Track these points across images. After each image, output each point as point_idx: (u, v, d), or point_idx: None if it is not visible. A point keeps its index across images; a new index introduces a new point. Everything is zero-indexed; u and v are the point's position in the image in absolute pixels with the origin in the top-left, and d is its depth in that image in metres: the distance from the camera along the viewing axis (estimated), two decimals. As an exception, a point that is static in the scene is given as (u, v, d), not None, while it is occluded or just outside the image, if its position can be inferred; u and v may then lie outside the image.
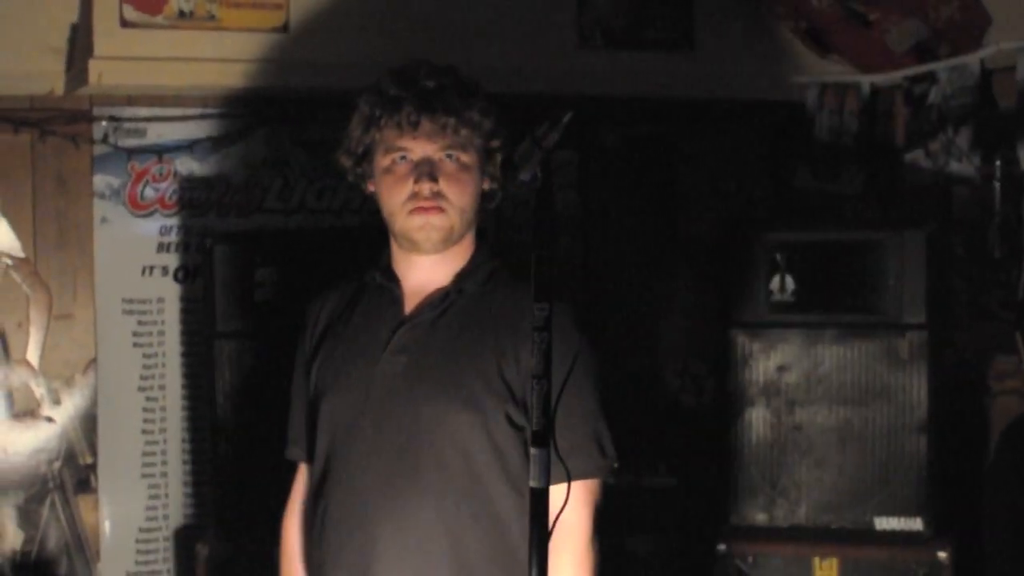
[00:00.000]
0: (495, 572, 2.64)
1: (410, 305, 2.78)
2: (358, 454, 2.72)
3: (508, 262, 2.82)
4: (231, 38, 4.08)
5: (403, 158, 2.70)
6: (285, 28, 4.10)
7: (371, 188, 2.81)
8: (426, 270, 2.78)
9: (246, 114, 4.28)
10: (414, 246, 2.74)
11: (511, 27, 4.25)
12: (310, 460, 2.86)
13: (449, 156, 2.70)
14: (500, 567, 2.65)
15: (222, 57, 4.09)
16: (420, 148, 2.69)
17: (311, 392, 2.85)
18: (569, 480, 2.39)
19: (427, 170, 2.68)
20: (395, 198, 2.71)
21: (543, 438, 2.20)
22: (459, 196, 2.70)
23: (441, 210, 2.69)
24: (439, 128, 2.68)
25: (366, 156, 2.78)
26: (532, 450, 2.20)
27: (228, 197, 4.29)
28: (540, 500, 2.21)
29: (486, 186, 2.76)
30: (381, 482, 2.68)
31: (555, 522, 2.38)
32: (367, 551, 2.68)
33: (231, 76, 4.12)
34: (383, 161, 2.73)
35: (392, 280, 2.82)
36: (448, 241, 2.74)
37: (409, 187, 2.69)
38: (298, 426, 2.93)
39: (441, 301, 2.76)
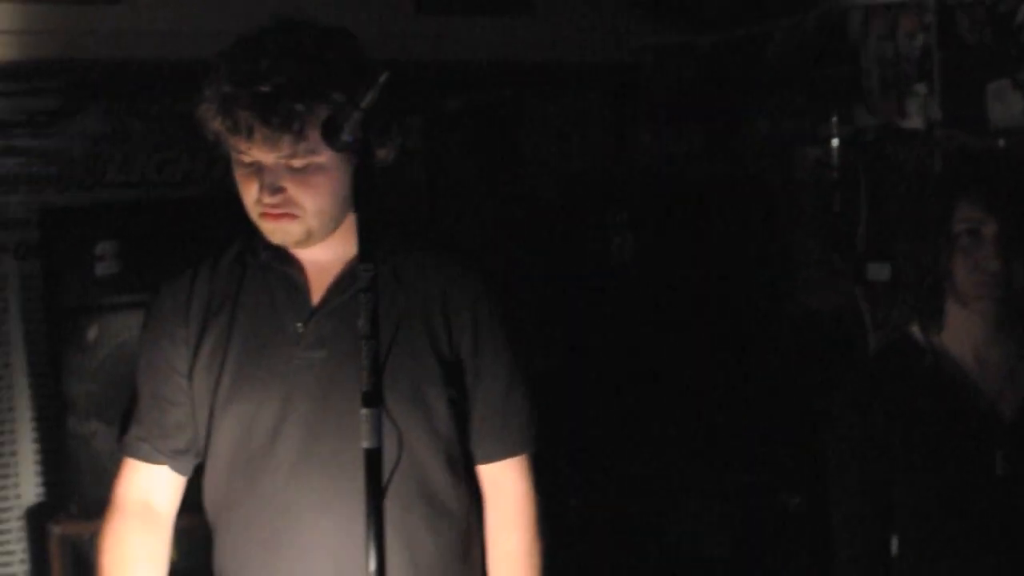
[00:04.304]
0: (451, 570, 2.52)
1: (315, 290, 2.52)
2: (285, 465, 2.45)
3: (403, 232, 2.58)
4: (65, 9, 4.03)
5: (248, 161, 2.42)
6: (118, -1, 4.07)
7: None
8: (318, 250, 2.51)
9: (83, 86, 4.21)
10: (279, 243, 2.48)
11: (349, -8, 4.24)
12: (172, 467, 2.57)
13: (296, 158, 2.38)
14: (456, 565, 2.54)
15: (58, 29, 4.03)
16: (259, 155, 2.39)
17: (206, 397, 2.52)
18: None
19: (269, 180, 2.38)
20: (246, 197, 2.45)
21: (373, 398, 2.17)
22: (312, 199, 2.40)
23: (293, 216, 2.41)
24: (278, 139, 2.35)
25: (219, 135, 2.44)
26: (363, 410, 2.13)
27: (68, 172, 4.21)
28: (374, 462, 2.12)
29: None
30: (316, 494, 2.44)
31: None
32: (310, 569, 2.44)
33: (67, 48, 4.06)
34: (232, 154, 2.44)
35: (288, 263, 2.52)
36: (312, 240, 2.46)
37: (256, 191, 2.41)
38: (158, 425, 2.57)
39: (350, 284, 2.46)
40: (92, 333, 3.74)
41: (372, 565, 2.12)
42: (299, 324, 2.49)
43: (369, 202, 2.14)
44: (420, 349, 2.48)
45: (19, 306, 4.18)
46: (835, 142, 4.22)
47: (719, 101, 4.57)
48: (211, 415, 2.52)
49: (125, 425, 2.63)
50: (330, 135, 2.22)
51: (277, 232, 2.44)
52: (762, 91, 4.39)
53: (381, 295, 2.25)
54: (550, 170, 4.62)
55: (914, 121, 4.01)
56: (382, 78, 2.11)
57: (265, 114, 2.33)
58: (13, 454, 4.20)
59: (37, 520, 4.12)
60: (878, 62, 4.04)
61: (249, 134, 2.35)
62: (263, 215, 2.43)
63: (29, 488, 4.22)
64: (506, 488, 2.59)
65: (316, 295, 2.51)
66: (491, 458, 2.56)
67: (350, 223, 2.42)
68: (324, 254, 2.51)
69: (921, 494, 2.76)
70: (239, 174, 2.45)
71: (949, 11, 3.81)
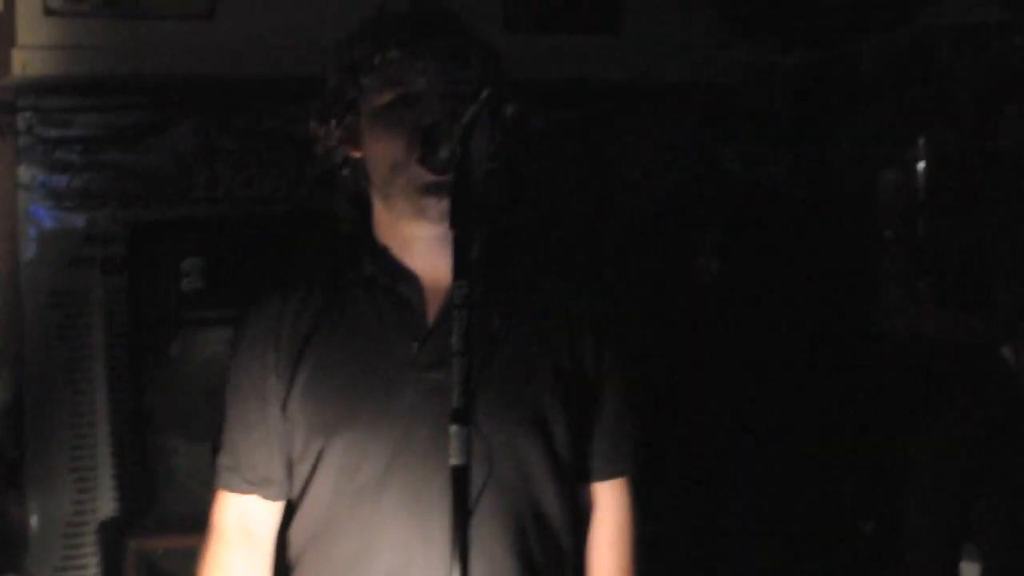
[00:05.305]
0: None
1: (429, 305, 2.33)
2: (406, 495, 2.29)
3: (515, 239, 2.47)
4: (157, 26, 4.06)
5: (406, 96, 2.25)
6: (210, 15, 4.07)
7: (354, 154, 2.33)
8: (431, 254, 2.32)
9: (172, 103, 4.24)
10: (421, 212, 2.27)
11: (438, 10, 4.24)
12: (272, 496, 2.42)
13: (461, 87, 2.25)
14: None
15: (147, 45, 4.06)
16: (429, 77, 2.24)
17: (308, 426, 2.34)
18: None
19: (437, 104, 2.23)
20: (398, 144, 2.25)
21: (464, 416, 2.11)
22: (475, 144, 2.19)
23: None
24: (448, 54, 2.25)
25: (349, 111, 2.31)
26: (452, 427, 2.05)
27: (154, 187, 4.24)
28: (462, 479, 2.06)
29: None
30: (434, 526, 2.26)
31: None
32: None
33: (157, 64, 4.09)
34: (381, 99, 2.27)
35: (400, 277, 2.34)
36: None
37: (416, 128, 2.22)
38: (246, 455, 2.40)
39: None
40: (176, 347, 3.76)
41: (456, 585, 2.09)
42: (413, 343, 2.32)
43: (466, 218, 2.09)
44: (537, 364, 2.35)
45: (103, 320, 4.21)
46: (921, 164, 4.16)
47: (807, 121, 4.53)
48: (315, 444, 2.34)
49: (216, 451, 2.49)
50: (427, 152, 2.19)
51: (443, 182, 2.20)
52: (850, 111, 4.35)
53: (493, 308, 2.23)
54: (638, 189, 4.58)
55: (1004, 142, 3.97)
56: (484, 94, 2.07)
57: (438, 25, 2.29)
58: (92, 468, 4.23)
59: (113, 534, 4.13)
60: (968, 83, 3.99)
61: (419, 53, 2.24)
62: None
63: (106, 502, 4.24)
64: (612, 507, 2.51)
65: (430, 312, 2.35)
66: (602, 476, 2.48)
67: None
68: (439, 260, 2.29)
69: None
70: (391, 121, 2.27)
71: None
